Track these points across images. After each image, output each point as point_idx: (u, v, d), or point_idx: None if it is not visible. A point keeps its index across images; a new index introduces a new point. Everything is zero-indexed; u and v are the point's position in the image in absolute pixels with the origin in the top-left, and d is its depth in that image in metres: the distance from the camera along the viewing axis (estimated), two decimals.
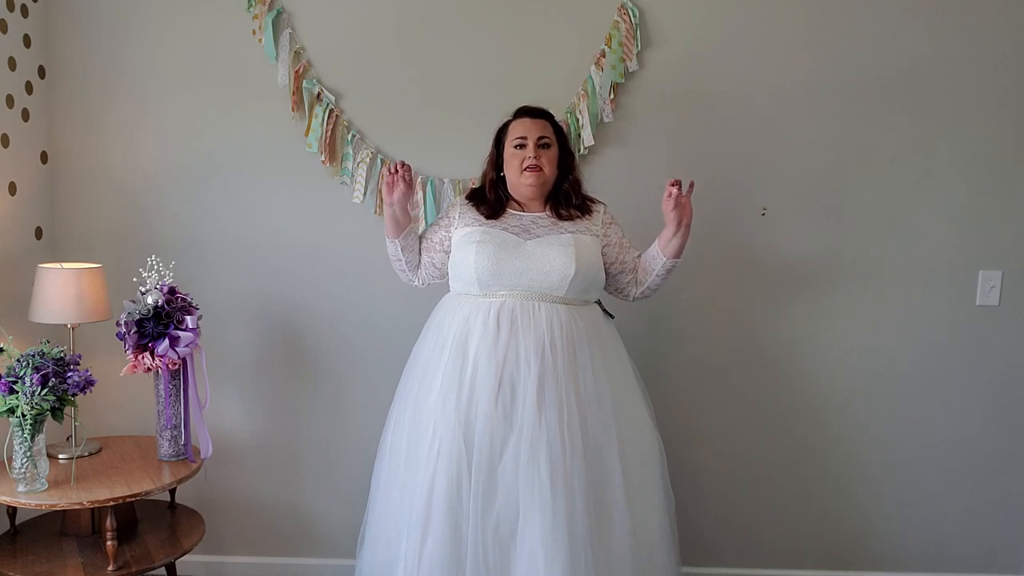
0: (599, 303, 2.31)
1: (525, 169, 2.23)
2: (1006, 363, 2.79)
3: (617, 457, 2.11)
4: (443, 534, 2.04)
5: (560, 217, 2.26)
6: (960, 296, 2.76)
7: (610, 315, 2.33)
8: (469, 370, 2.10)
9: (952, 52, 2.67)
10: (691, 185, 2.21)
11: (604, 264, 2.26)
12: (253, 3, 2.69)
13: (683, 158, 2.73)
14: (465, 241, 2.22)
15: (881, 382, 2.80)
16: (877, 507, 2.85)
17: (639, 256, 2.33)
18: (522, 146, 2.24)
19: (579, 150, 2.68)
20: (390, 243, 2.34)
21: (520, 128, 2.27)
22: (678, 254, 2.25)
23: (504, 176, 2.30)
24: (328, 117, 2.71)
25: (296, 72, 2.70)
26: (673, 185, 2.15)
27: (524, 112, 2.31)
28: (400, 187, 2.22)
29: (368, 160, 2.73)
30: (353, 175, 2.73)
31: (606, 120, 2.70)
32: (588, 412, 2.10)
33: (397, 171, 2.22)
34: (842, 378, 2.80)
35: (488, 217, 2.26)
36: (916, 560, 2.87)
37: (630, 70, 2.69)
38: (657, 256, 2.26)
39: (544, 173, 2.24)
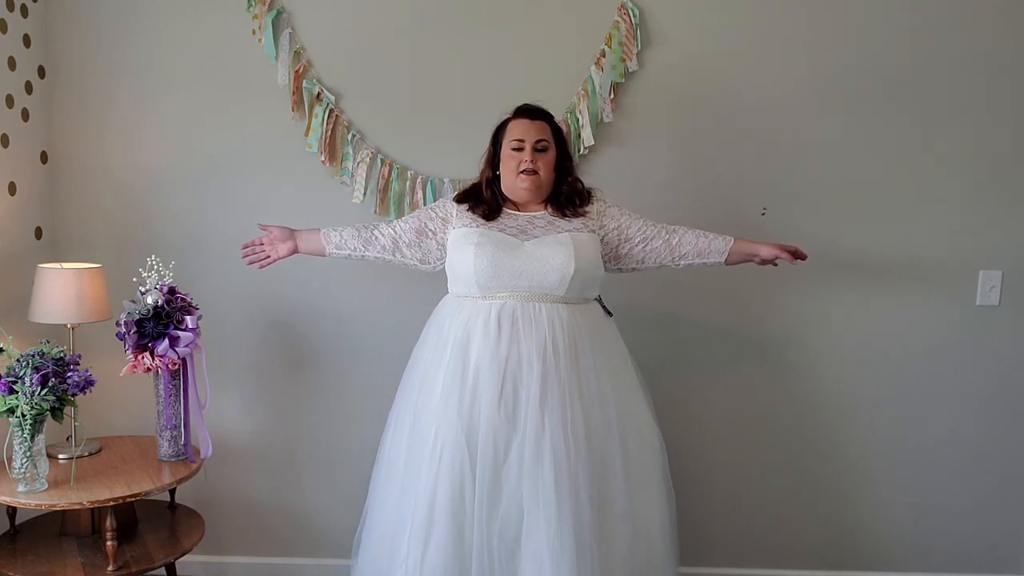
0: (599, 300, 2.30)
1: (521, 173, 2.21)
2: (1006, 363, 2.79)
3: (620, 456, 2.10)
4: (446, 539, 2.02)
5: (560, 216, 2.24)
6: (960, 296, 2.76)
7: (609, 312, 2.32)
8: (471, 373, 2.08)
9: (952, 52, 2.67)
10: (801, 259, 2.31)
11: (612, 248, 2.26)
12: (253, 3, 2.69)
13: (683, 158, 2.73)
14: (462, 242, 2.20)
15: (881, 382, 2.80)
16: (877, 506, 2.85)
17: (668, 229, 2.30)
18: (519, 148, 2.22)
19: (579, 150, 2.68)
20: (331, 258, 2.40)
21: (518, 129, 2.24)
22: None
23: (499, 175, 2.28)
24: (328, 117, 2.71)
25: (296, 72, 2.70)
26: (797, 257, 2.28)
27: (523, 112, 2.28)
28: (278, 253, 2.40)
29: (368, 160, 2.72)
30: (353, 175, 2.73)
31: (606, 120, 2.70)
32: (591, 412, 2.08)
33: (257, 247, 2.40)
34: (841, 378, 2.80)
35: (486, 217, 2.24)
36: (916, 560, 2.87)
37: (630, 70, 2.69)
38: (719, 253, 2.29)
39: (540, 177, 2.21)
